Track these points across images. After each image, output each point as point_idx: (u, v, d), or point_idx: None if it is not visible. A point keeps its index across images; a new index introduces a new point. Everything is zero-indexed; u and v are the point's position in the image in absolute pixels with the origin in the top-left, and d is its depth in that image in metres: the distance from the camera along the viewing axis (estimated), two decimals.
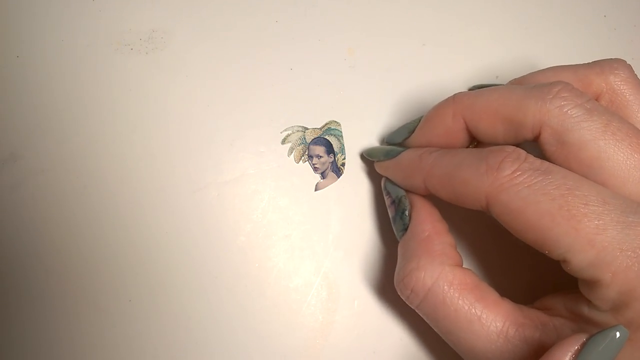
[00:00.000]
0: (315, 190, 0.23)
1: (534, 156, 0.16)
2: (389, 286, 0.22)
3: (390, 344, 0.21)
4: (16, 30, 0.23)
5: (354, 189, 0.23)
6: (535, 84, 0.18)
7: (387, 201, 0.21)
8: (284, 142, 0.23)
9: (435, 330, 0.18)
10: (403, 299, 0.18)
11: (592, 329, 0.16)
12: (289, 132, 0.23)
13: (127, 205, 0.21)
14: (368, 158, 0.22)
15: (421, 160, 0.19)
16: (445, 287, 0.17)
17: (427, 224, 0.19)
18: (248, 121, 0.23)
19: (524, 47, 0.26)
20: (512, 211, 0.16)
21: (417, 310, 0.18)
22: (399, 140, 0.21)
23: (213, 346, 0.21)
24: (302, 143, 0.23)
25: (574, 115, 0.16)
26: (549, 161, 0.17)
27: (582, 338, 0.14)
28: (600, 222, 0.14)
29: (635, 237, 0.14)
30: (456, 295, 0.17)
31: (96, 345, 0.20)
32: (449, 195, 0.18)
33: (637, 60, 0.26)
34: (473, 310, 0.17)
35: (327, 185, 0.23)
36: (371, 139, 0.23)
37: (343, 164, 0.23)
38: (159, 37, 0.23)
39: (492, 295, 0.17)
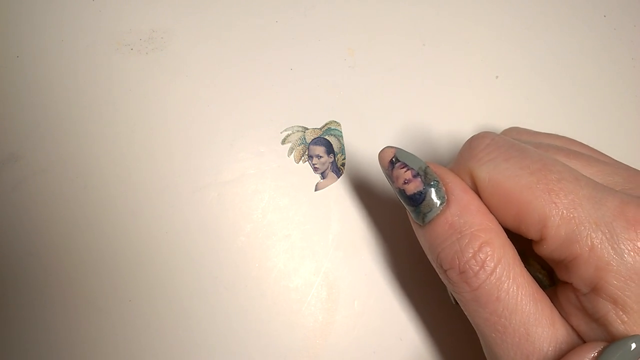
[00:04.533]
0: (315, 190, 0.23)
1: None
2: (389, 286, 0.22)
3: (390, 344, 0.21)
4: (16, 30, 0.23)
5: (354, 189, 0.23)
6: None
7: (405, 175, 0.17)
8: (284, 142, 0.23)
9: (483, 315, 0.16)
10: (460, 278, 0.16)
11: (589, 321, 0.16)
12: (289, 132, 0.23)
13: (127, 205, 0.21)
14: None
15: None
16: (510, 261, 0.16)
17: (470, 193, 0.17)
18: (248, 121, 0.23)
19: (524, 47, 0.26)
20: (492, 184, 0.16)
21: (472, 293, 0.16)
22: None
23: (213, 346, 0.21)
24: (302, 143, 0.23)
25: (499, 167, 0.16)
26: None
27: (598, 347, 0.14)
28: (575, 197, 0.15)
29: (606, 211, 0.15)
30: (518, 271, 0.16)
31: (96, 345, 0.20)
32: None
33: (637, 61, 0.26)
34: (531, 290, 0.16)
35: (327, 185, 0.23)
36: (371, 140, 0.23)
37: (343, 164, 0.23)
38: (159, 37, 0.23)
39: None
